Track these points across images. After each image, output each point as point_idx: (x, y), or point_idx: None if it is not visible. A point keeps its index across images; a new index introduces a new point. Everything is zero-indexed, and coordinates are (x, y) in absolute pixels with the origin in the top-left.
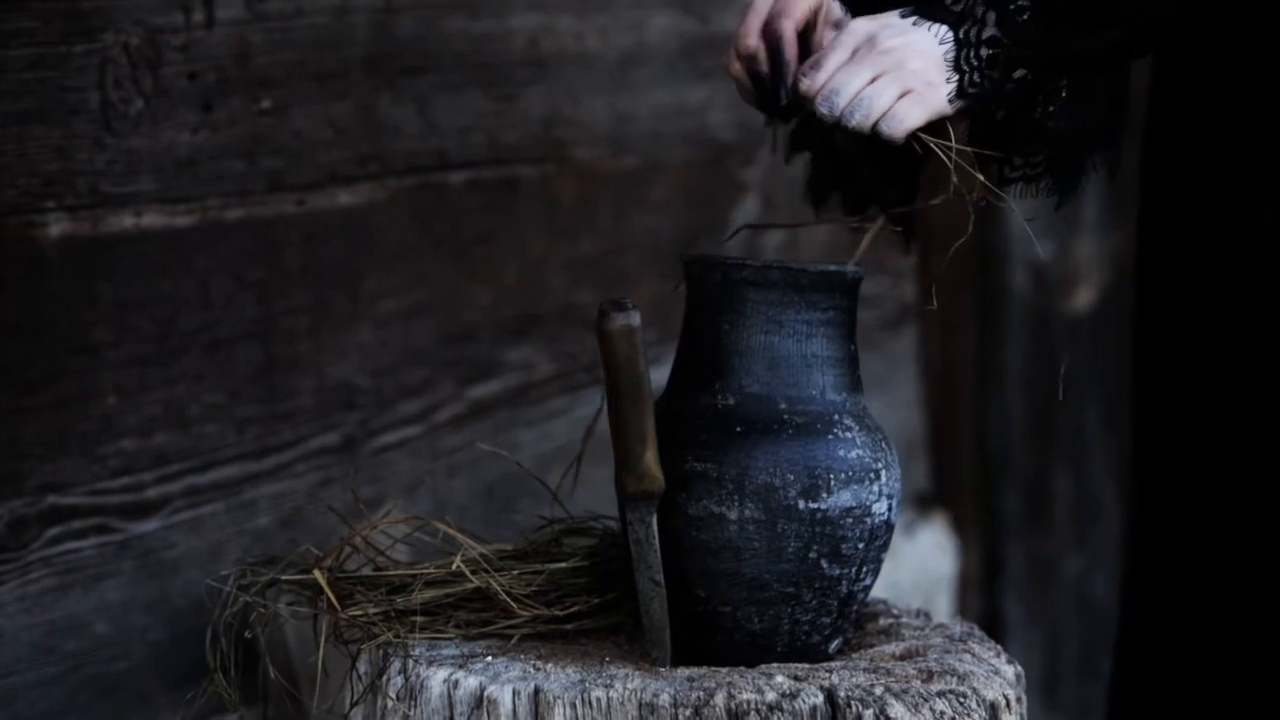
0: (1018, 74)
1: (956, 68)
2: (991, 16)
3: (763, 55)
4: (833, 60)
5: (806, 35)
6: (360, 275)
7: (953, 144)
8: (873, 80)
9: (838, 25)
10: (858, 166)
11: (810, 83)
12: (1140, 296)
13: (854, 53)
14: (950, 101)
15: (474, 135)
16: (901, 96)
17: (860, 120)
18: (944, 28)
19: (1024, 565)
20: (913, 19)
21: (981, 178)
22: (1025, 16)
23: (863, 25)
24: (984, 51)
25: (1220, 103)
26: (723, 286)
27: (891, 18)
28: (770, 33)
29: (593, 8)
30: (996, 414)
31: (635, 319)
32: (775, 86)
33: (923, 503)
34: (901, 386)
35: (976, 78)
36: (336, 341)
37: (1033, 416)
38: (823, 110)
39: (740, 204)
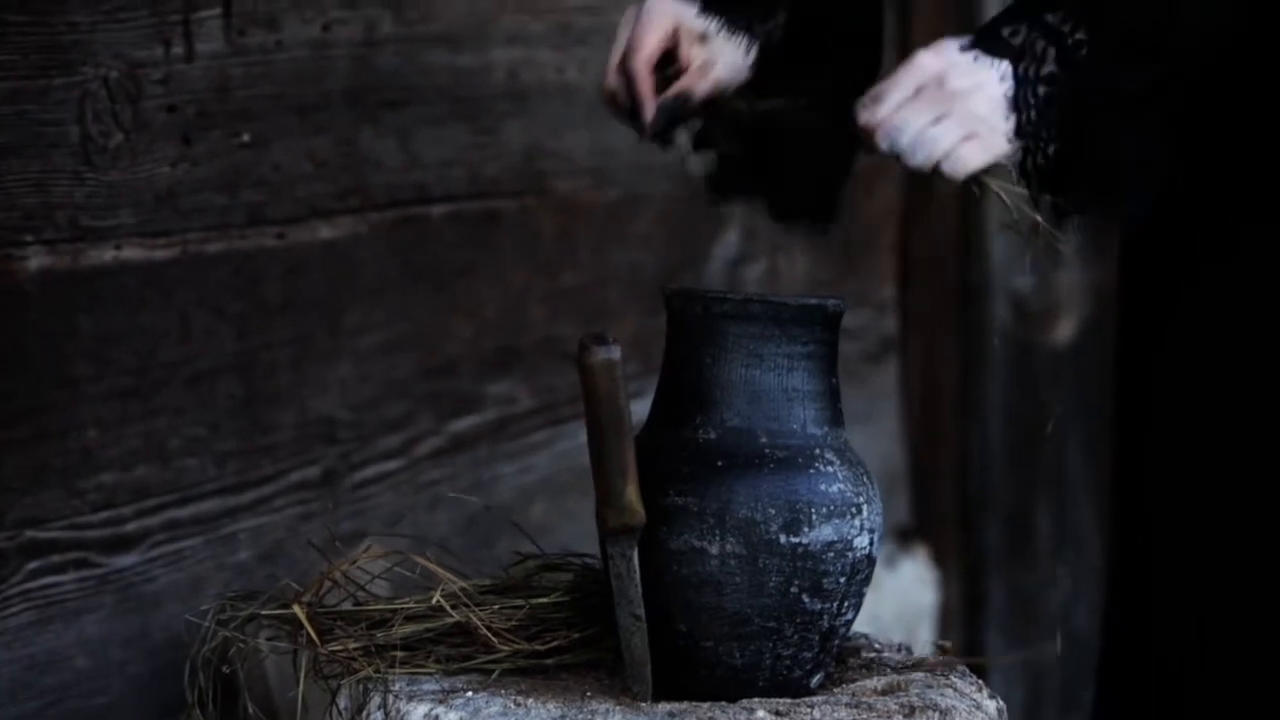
0: (1075, 111)
1: (1015, 106)
2: (1051, 53)
3: (622, 91)
4: (896, 95)
5: (670, 57)
6: (341, 309)
7: (1014, 185)
8: (936, 120)
9: (702, 38)
10: (784, 172)
11: (870, 116)
12: (1123, 330)
13: (918, 89)
14: (1009, 140)
15: (455, 168)
16: (965, 139)
17: (922, 160)
18: (1005, 63)
19: (1005, 597)
20: (974, 54)
21: (1039, 218)
22: (1083, 52)
23: (930, 62)
24: (1042, 89)
25: (1205, 142)
26: (704, 320)
27: (954, 53)
28: (625, 69)
29: (573, 40)
30: (978, 447)
31: (616, 353)
32: (634, 122)
33: (904, 535)
34: (883, 419)
35: (1034, 115)
36: (317, 375)
37: (1014, 449)
38: (883, 145)
39: (722, 237)
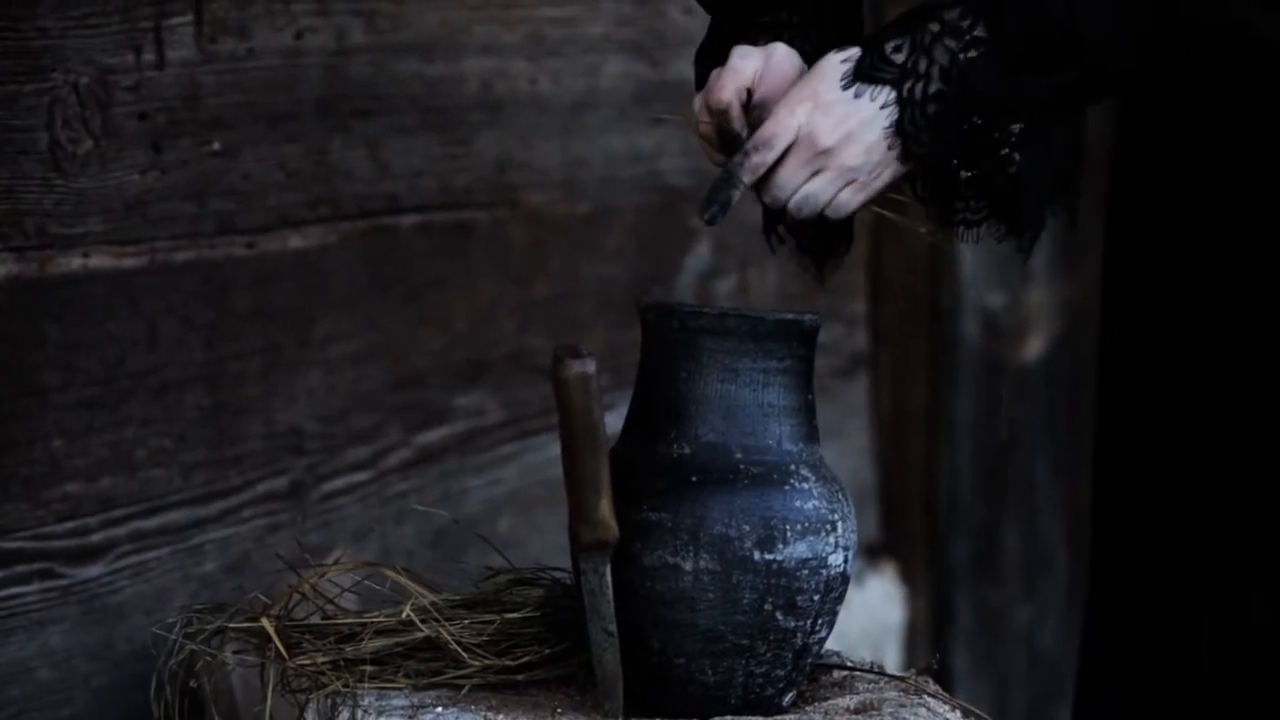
0: (967, 124)
1: (900, 131)
2: (936, 71)
3: (736, 113)
4: (768, 157)
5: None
6: (310, 319)
7: (902, 201)
8: (811, 175)
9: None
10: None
11: (750, 178)
12: (1104, 340)
13: (789, 149)
14: (890, 168)
15: (426, 179)
16: (843, 187)
17: (808, 213)
18: (887, 90)
19: (972, 615)
20: (853, 88)
21: (924, 230)
22: (975, 55)
23: (801, 110)
24: (930, 109)
25: (1183, 156)
26: (679, 334)
27: (828, 91)
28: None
29: (546, 51)
30: (947, 463)
31: (591, 366)
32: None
33: (872, 552)
34: (852, 435)
35: (924, 137)
36: (286, 386)
37: (983, 466)
38: (767, 201)
39: (693, 250)
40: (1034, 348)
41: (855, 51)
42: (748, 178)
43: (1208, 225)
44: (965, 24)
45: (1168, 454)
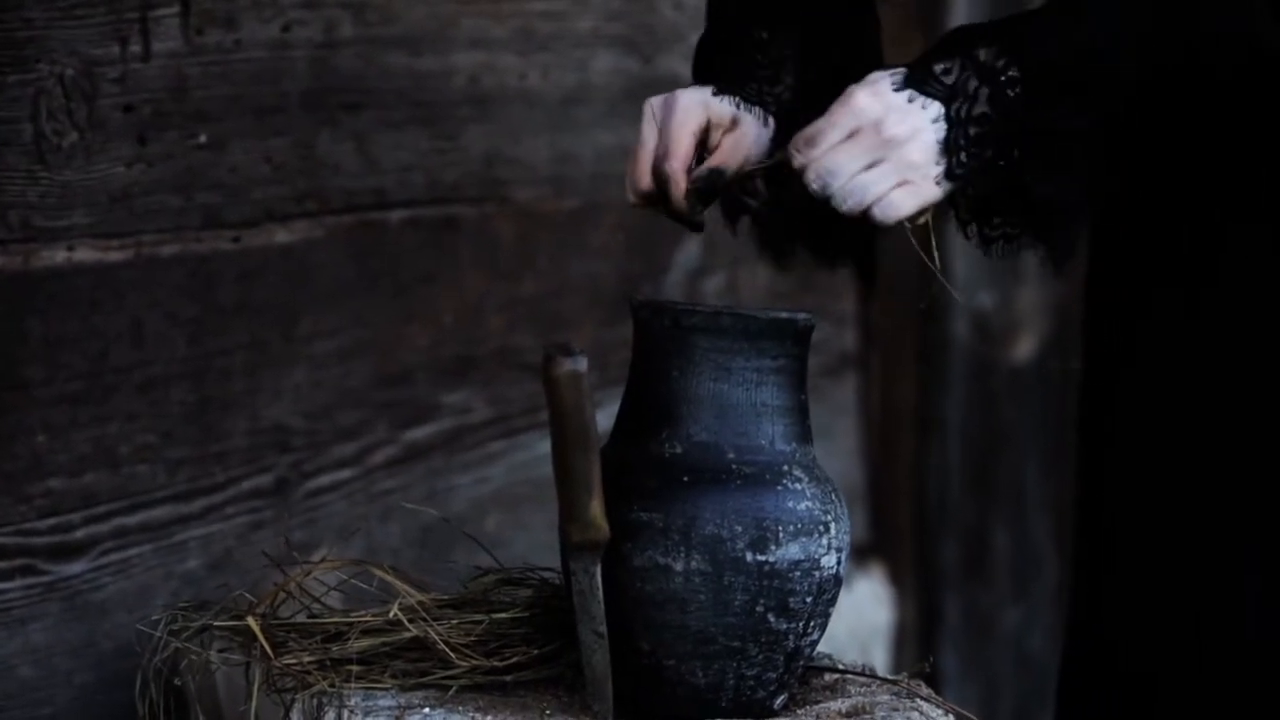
0: (1005, 151)
1: (946, 149)
2: (984, 93)
3: (653, 194)
4: (831, 137)
5: (701, 144)
6: (296, 315)
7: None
8: (869, 166)
9: (733, 122)
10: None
11: (803, 158)
12: (1087, 353)
13: (853, 133)
14: (938, 183)
15: (413, 174)
16: (896, 186)
17: (851, 206)
18: (938, 105)
19: (961, 617)
20: (909, 94)
21: (937, 268)
22: (1016, 91)
23: (867, 104)
24: (973, 130)
25: (1178, 157)
26: (671, 332)
27: (891, 95)
28: (660, 173)
29: (535, 46)
30: (936, 464)
31: (582, 364)
32: (683, 222)
33: (860, 553)
34: (841, 435)
35: (964, 157)
36: (271, 382)
37: (972, 467)
38: (814, 187)
39: (683, 247)
40: (1024, 348)
41: (902, 69)
42: (799, 157)
43: (1198, 228)
44: (999, 64)
45: (1151, 454)
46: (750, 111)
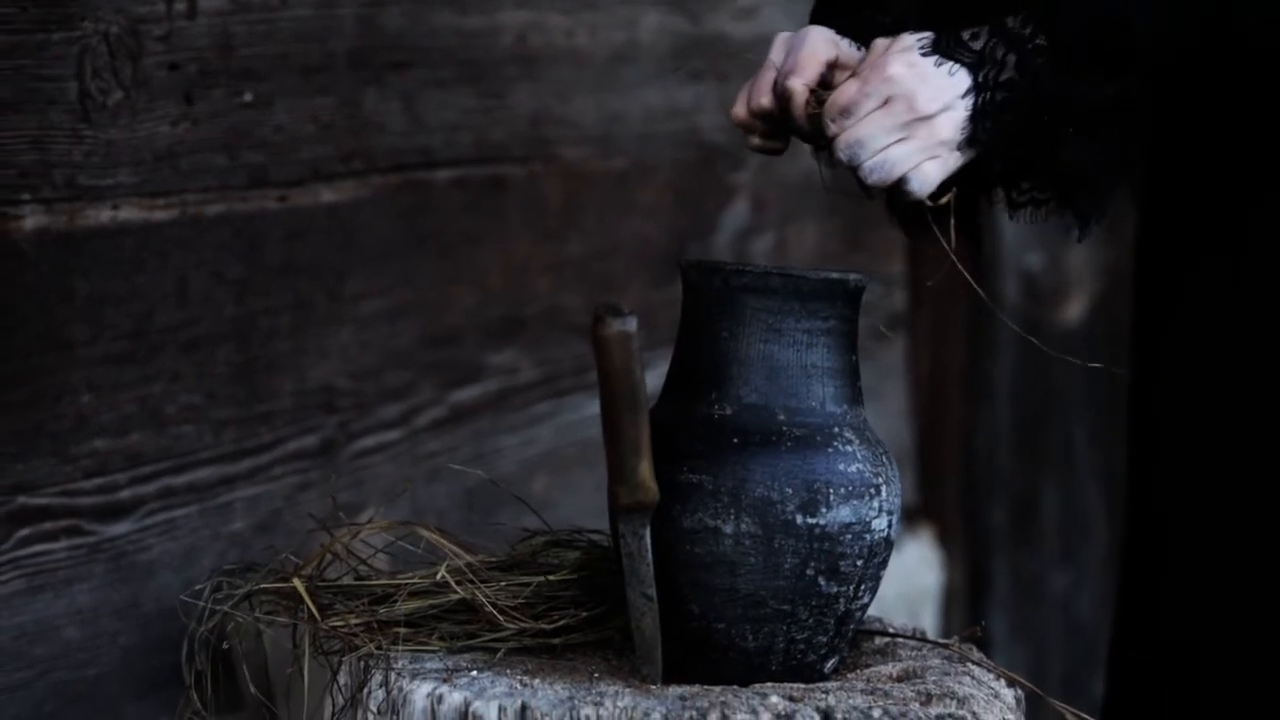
0: (1032, 119)
1: (972, 116)
2: (1012, 60)
3: (774, 110)
4: (863, 107)
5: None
6: (342, 275)
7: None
8: (899, 141)
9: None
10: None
11: (836, 128)
12: (1138, 311)
13: (888, 101)
14: (960, 149)
15: (460, 133)
16: (924, 160)
17: (879, 179)
18: (966, 74)
19: (1009, 581)
20: (935, 59)
21: (952, 249)
22: (1041, 61)
23: (900, 73)
24: (999, 97)
25: (1214, 132)
26: (722, 293)
27: (924, 63)
28: (782, 89)
29: (583, 5)
30: (985, 427)
31: (632, 325)
32: (801, 137)
33: (909, 516)
34: (890, 397)
35: (989, 124)
36: (317, 342)
37: (1021, 430)
38: (842, 157)
39: (730, 207)
40: (1074, 310)
41: (929, 33)
42: (832, 126)
43: (1242, 195)
44: (1027, 31)
45: (1202, 421)
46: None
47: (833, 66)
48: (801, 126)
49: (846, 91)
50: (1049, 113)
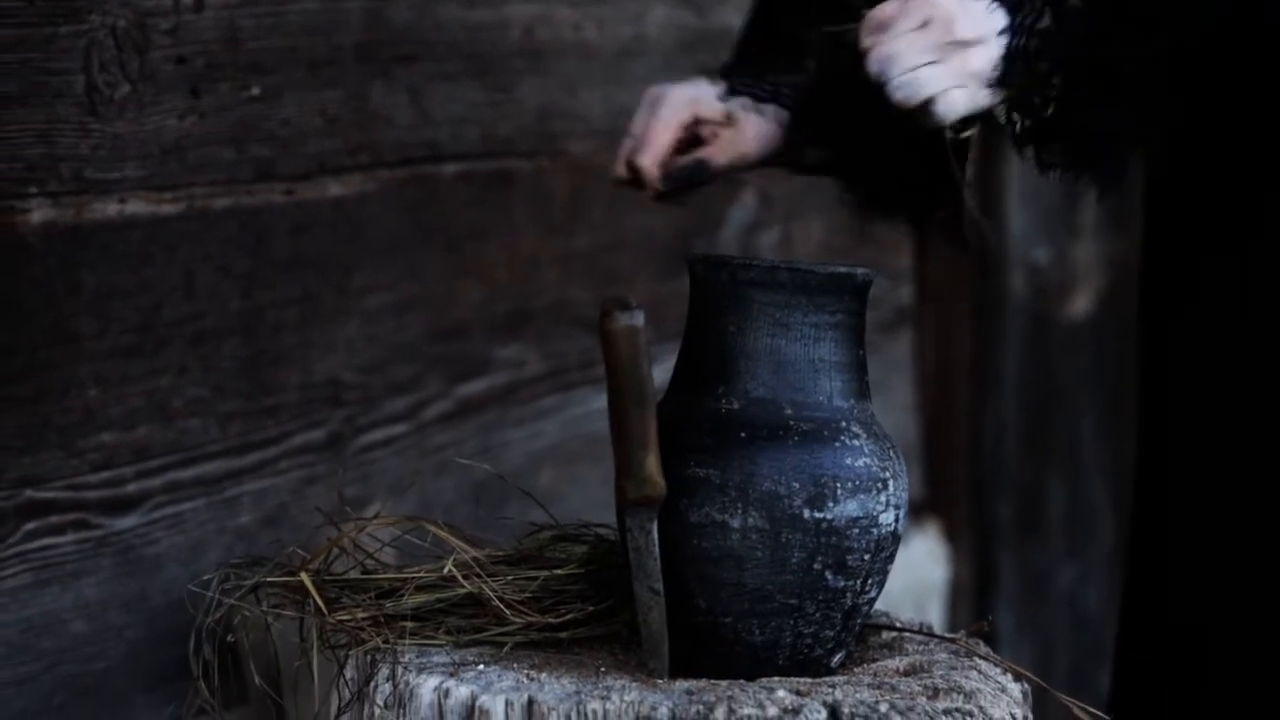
0: (1061, 70)
1: (1005, 55)
2: (1049, 9)
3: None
4: (901, 25)
5: (696, 139)
6: (349, 268)
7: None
8: (931, 63)
9: (728, 119)
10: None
11: (871, 40)
12: (1145, 303)
13: (926, 22)
14: (991, 88)
15: (467, 126)
16: (953, 88)
17: (904, 97)
18: (1004, 13)
19: (1016, 575)
20: None
21: (967, 182)
22: (1077, 15)
23: None
24: (1033, 43)
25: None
26: (729, 287)
27: None
28: (632, 166)
29: None
30: (991, 421)
31: (639, 319)
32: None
33: (915, 510)
34: (896, 391)
35: (1020, 67)
36: (323, 336)
37: (1028, 424)
38: (872, 70)
39: (738, 201)
40: (1080, 304)
41: None
42: (867, 39)
43: (1253, 190)
44: None
45: (1210, 414)
46: (757, 108)
47: (695, 124)
48: (655, 197)
49: (886, 8)
50: (1078, 67)
